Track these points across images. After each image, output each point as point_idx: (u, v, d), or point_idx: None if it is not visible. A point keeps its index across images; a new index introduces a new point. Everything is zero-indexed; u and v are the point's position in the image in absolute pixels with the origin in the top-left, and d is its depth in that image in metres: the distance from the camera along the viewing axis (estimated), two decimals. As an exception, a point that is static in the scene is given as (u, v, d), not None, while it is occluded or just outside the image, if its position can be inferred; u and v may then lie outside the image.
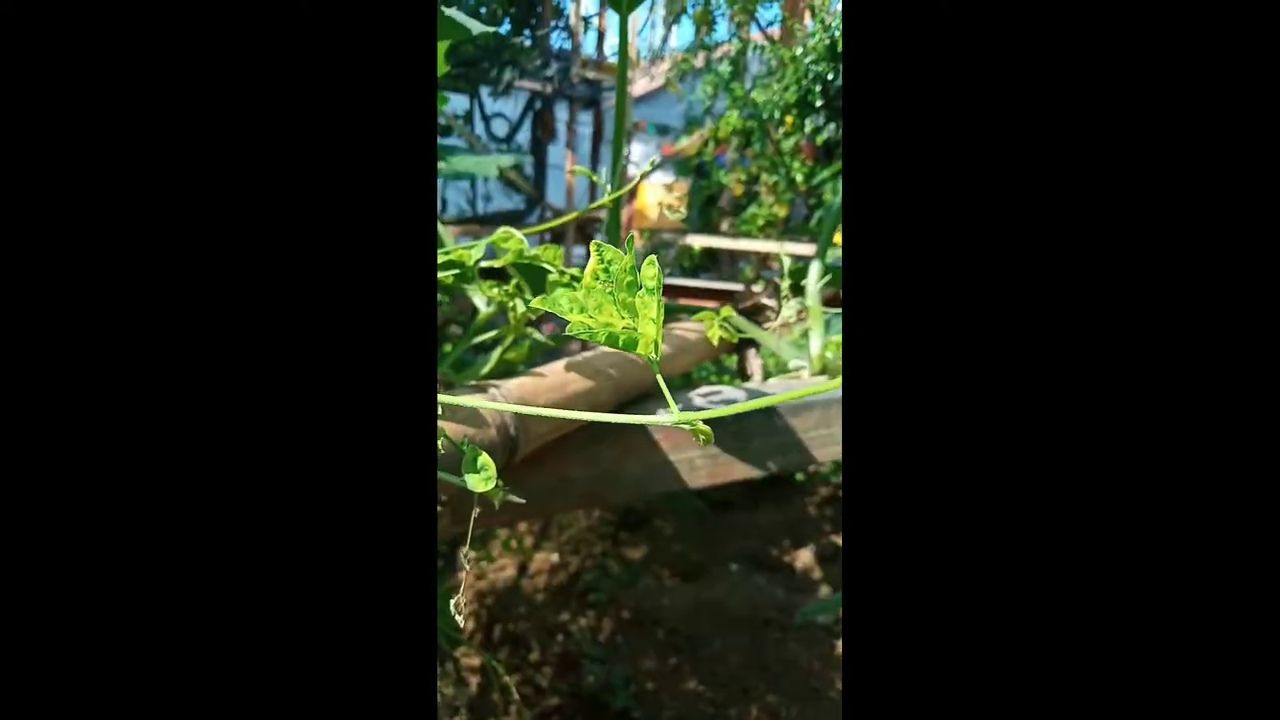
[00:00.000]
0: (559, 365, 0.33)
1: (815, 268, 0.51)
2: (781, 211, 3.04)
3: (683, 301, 1.44)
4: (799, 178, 2.87)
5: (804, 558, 1.74)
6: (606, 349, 0.39)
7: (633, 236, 0.25)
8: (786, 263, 0.43)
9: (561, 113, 3.51)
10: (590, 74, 3.32)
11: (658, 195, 4.00)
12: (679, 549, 1.75)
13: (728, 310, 0.36)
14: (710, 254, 3.52)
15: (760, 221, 3.09)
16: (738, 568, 1.70)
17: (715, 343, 0.33)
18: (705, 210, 3.62)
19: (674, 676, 1.36)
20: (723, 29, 3.18)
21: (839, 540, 1.82)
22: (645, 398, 0.41)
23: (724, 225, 3.45)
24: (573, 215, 0.40)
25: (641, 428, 0.36)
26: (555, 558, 1.68)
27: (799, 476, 2.10)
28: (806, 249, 3.04)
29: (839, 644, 1.44)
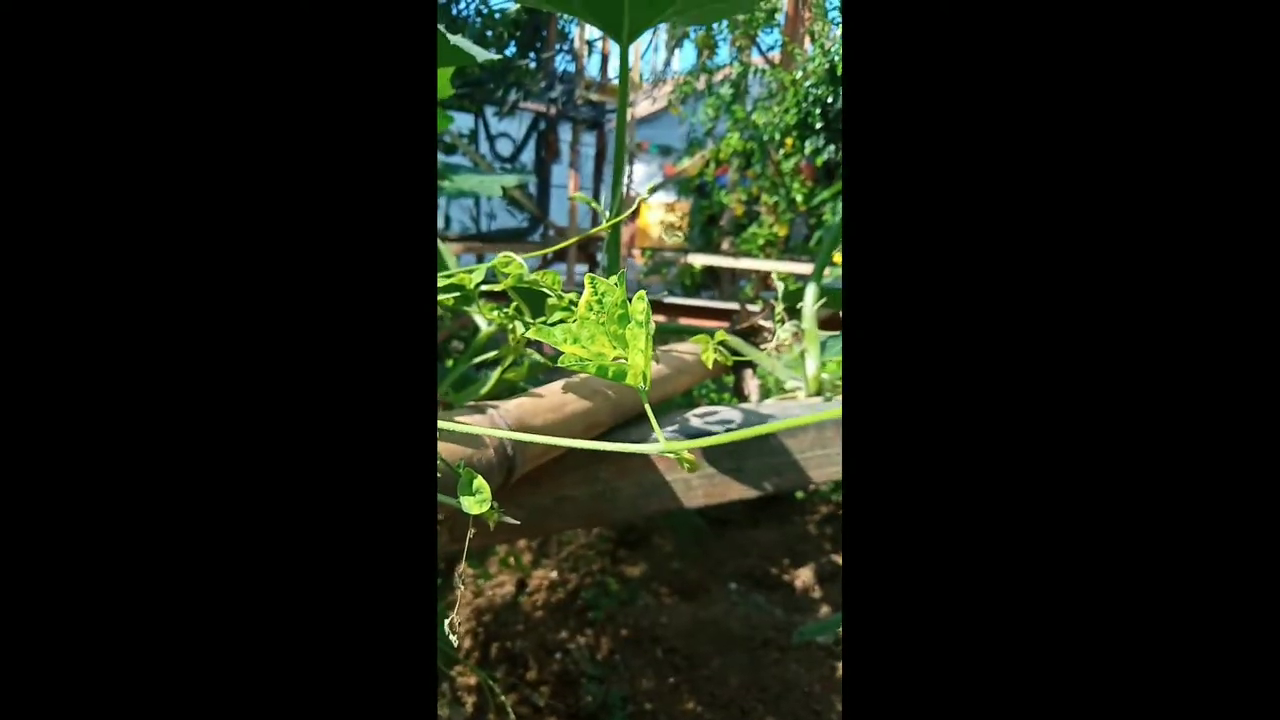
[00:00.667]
0: (557, 386, 0.34)
1: (811, 290, 0.52)
2: (781, 231, 3.08)
3: (682, 321, 1.44)
4: (799, 198, 2.90)
5: (804, 577, 1.73)
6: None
7: (623, 273, 0.25)
8: (781, 286, 0.44)
9: (565, 134, 3.57)
10: (593, 96, 3.38)
11: (659, 215, 4.04)
12: (678, 567, 1.74)
13: (722, 334, 0.37)
14: (711, 272, 3.55)
15: (760, 241, 3.13)
16: (737, 586, 1.69)
17: (710, 365, 0.34)
18: (706, 230, 3.66)
19: (672, 696, 1.34)
20: (724, 53, 3.24)
21: (839, 559, 1.81)
22: (644, 417, 0.41)
23: (725, 244, 3.48)
24: (574, 239, 0.41)
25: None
26: (554, 575, 1.67)
27: (799, 495, 2.09)
28: (806, 268, 3.06)
29: (839, 665, 1.43)
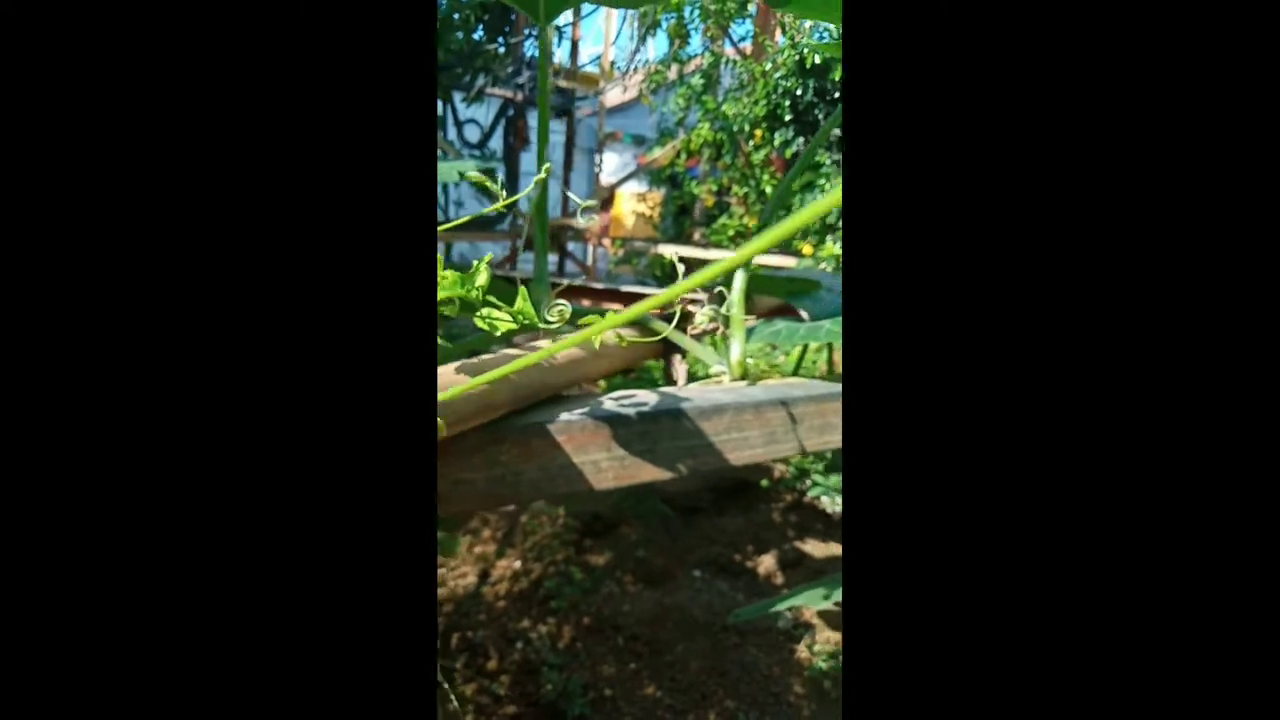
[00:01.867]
0: (449, 368, 0.34)
1: (739, 276, 0.53)
2: (751, 222, 3.09)
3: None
4: (768, 189, 2.92)
5: (766, 563, 1.76)
6: (506, 351, 0.40)
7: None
8: (681, 268, 0.45)
9: (534, 120, 3.54)
10: (563, 83, 3.35)
11: (633, 205, 4.03)
12: (643, 555, 1.75)
13: (630, 313, 0.37)
14: (682, 263, 3.55)
15: (731, 232, 3.14)
16: (701, 573, 1.71)
17: (598, 345, 0.34)
18: (679, 220, 3.66)
19: (632, 682, 1.35)
20: (696, 43, 3.23)
21: (800, 545, 1.84)
22: (551, 402, 0.41)
23: (696, 235, 3.49)
24: (484, 213, 0.40)
25: (543, 432, 0.37)
26: (518, 564, 1.67)
27: (764, 483, 2.12)
28: (775, 259, 3.08)
29: (798, 648, 1.46)
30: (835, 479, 1.99)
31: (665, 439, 0.41)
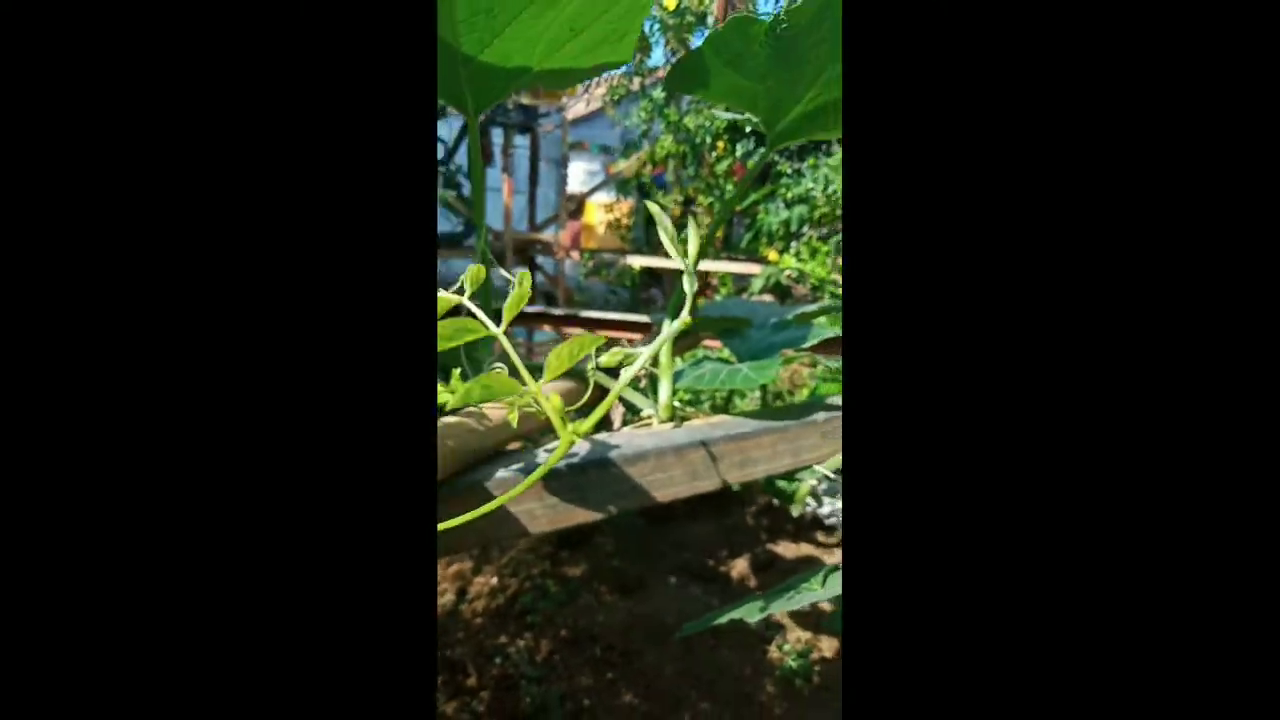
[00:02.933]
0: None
1: (668, 323, 0.58)
2: (718, 232, 3.16)
3: (599, 334, 1.49)
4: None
5: (739, 567, 1.82)
6: (447, 420, 0.45)
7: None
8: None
9: (498, 137, 3.56)
10: (525, 100, 3.38)
11: (601, 215, 4.08)
12: (618, 564, 1.80)
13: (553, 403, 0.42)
14: (651, 274, 3.61)
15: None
16: (675, 580, 1.76)
17: (515, 424, 0.39)
18: (648, 229, 3.72)
19: (609, 691, 1.40)
20: (659, 55, 3.29)
21: (772, 548, 1.90)
22: (488, 460, 0.46)
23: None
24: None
25: (481, 489, 0.42)
26: (495, 581, 1.71)
27: (735, 487, 2.19)
28: (741, 267, 3.16)
29: (769, 649, 1.52)
30: (791, 487, 2.05)
31: (594, 489, 0.46)
